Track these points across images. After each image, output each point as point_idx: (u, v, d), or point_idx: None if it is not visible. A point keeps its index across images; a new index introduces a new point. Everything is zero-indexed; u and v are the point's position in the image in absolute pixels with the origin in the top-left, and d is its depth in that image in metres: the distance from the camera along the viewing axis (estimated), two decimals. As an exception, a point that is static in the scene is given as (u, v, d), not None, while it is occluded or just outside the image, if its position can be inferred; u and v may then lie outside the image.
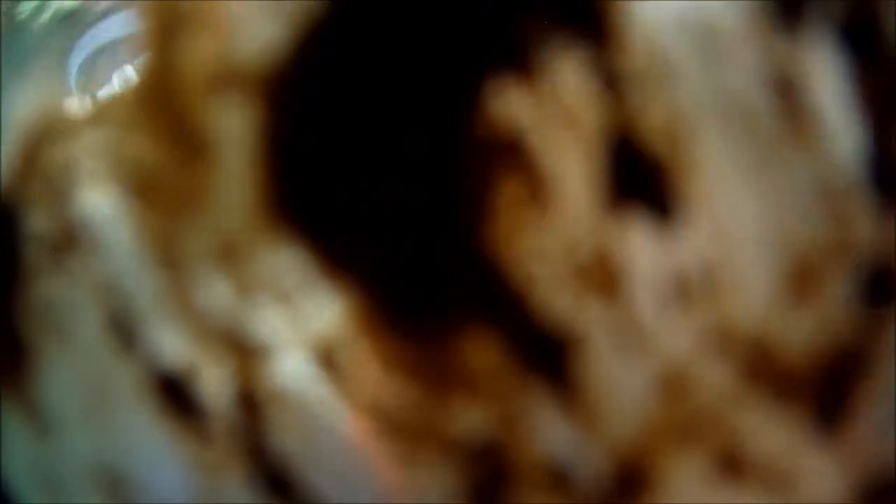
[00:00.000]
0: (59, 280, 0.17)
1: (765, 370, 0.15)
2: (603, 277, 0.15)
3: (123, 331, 0.16)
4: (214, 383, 0.16)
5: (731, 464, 0.15)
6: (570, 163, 0.15)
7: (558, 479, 0.15)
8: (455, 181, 0.15)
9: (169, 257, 0.16)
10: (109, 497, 0.17)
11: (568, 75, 0.15)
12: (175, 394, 0.16)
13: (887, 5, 0.15)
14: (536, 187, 0.15)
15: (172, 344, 0.16)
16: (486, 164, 0.15)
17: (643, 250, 0.15)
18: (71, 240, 0.17)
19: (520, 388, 0.15)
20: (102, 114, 0.17)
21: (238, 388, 0.16)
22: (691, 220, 0.15)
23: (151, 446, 0.17)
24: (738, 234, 0.15)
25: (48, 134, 0.17)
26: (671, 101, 0.15)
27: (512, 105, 0.15)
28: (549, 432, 0.15)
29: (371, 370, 0.16)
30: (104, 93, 0.17)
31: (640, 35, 0.15)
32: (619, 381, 0.15)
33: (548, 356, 0.15)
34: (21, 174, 0.17)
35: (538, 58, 0.15)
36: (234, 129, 0.16)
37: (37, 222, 0.17)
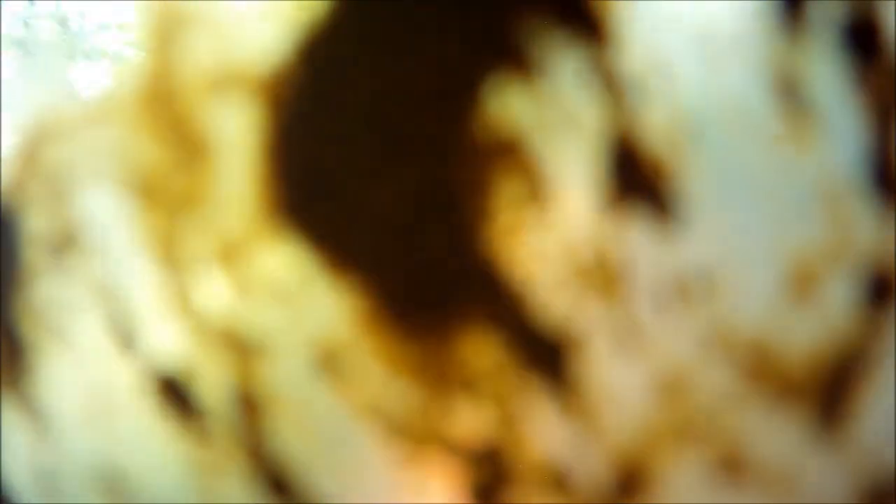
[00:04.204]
0: (59, 280, 0.17)
1: (764, 371, 0.15)
2: (603, 278, 0.15)
3: (123, 331, 0.16)
4: (214, 383, 0.16)
5: (731, 464, 0.15)
6: (569, 163, 0.15)
7: (558, 479, 0.15)
8: (455, 181, 0.15)
9: (169, 257, 0.16)
10: (109, 497, 0.17)
11: (568, 76, 0.15)
12: (175, 394, 0.16)
13: (887, 6, 0.15)
14: (536, 187, 0.15)
15: (172, 344, 0.16)
16: (486, 165, 0.15)
17: (643, 251, 0.15)
18: (71, 240, 0.17)
19: (520, 388, 0.15)
20: (102, 114, 0.17)
21: (238, 388, 0.16)
22: (691, 221, 0.15)
23: (151, 446, 0.17)
24: (738, 236, 0.15)
25: (48, 134, 0.17)
26: (671, 102, 0.15)
27: (511, 105, 0.15)
28: (549, 432, 0.15)
29: (371, 370, 0.16)
30: (104, 93, 0.17)
31: (639, 36, 0.15)
32: (619, 381, 0.15)
33: (548, 356, 0.15)
34: (21, 174, 0.17)
35: (538, 58, 0.15)
36: (234, 129, 0.16)
37: (37, 223, 0.17)
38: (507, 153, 0.15)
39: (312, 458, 0.16)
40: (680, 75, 0.15)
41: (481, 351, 0.15)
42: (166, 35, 0.16)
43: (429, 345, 0.15)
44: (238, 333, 0.16)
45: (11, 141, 0.18)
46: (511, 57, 0.15)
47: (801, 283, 0.15)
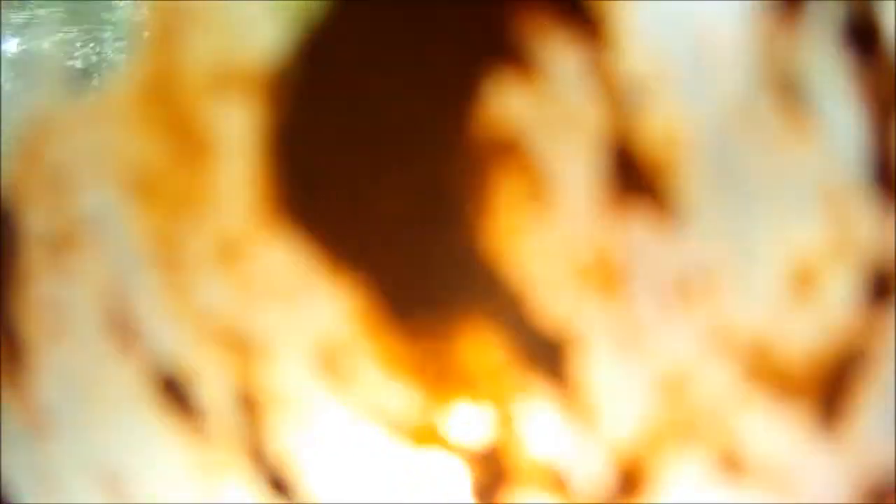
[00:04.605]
0: (59, 280, 0.17)
1: (765, 370, 0.15)
2: (603, 277, 0.15)
3: (123, 330, 0.16)
4: (214, 383, 0.16)
5: (731, 464, 0.15)
6: (569, 163, 0.15)
7: (558, 479, 0.15)
8: (455, 181, 0.15)
9: (169, 257, 0.16)
10: (109, 497, 0.17)
11: (568, 76, 0.15)
12: (175, 393, 0.16)
13: (887, 5, 0.15)
14: (536, 187, 0.15)
15: (172, 344, 0.16)
16: (487, 164, 0.15)
17: (643, 250, 0.15)
18: (71, 239, 0.17)
19: (520, 388, 0.15)
20: (103, 113, 0.17)
21: (238, 388, 0.16)
22: (691, 221, 0.15)
23: (151, 446, 0.17)
24: (738, 234, 0.15)
25: (49, 134, 0.17)
26: (671, 102, 0.15)
27: (512, 105, 0.15)
28: (549, 432, 0.15)
29: (371, 370, 0.16)
30: (105, 92, 0.17)
31: (639, 36, 0.15)
32: (619, 381, 0.15)
33: (548, 356, 0.15)
34: (21, 174, 0.17)
35: (539, 59, 0.15)
36: (234, 129, 0.16)
37: (37, 222, 0.17)
38: (508, 152, 0.15)
39: (312, 458, 0.16)
40: (679, 75, 0.15)
41: (481, 351, 0.15)
42: (167, 34, 0.16)
43: (429, 345, 0.15)
44: (238, 333, 0.16)
45: (12, 141, 0.18)
46: (511, 57, 0.15)
47: (802, 282, 0.15)
